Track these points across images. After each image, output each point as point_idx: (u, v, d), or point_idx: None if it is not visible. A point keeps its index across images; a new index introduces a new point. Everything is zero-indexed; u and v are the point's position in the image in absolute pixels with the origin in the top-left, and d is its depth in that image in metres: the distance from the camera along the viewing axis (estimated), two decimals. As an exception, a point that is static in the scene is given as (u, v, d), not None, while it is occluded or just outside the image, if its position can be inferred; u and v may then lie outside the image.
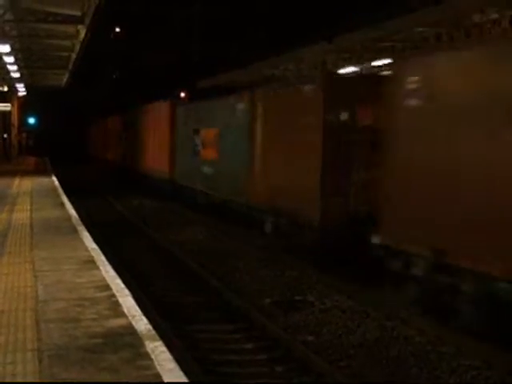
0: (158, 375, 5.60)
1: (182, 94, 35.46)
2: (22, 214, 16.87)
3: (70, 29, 27.31)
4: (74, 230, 14.08)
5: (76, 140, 75.80)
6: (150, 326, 6.98)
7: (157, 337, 6.64)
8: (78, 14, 23.91)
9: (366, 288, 12.36)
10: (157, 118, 32.09)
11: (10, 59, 30.17)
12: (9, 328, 7.03)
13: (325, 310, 11.66)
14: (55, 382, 5.38)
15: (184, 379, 5.55)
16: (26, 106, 63.65)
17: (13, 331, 6.90)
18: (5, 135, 53.21)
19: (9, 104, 44.03)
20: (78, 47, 31.55)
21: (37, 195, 22.33)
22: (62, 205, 19.30)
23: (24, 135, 71.59)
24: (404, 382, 8.56)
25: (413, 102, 11.24)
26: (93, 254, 11.27)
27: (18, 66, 34.86)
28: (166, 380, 5.50)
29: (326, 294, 12.58)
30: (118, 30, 59.90)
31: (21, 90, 50.94)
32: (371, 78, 14.76)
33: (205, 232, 20.19)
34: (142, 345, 6.38)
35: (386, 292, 11.37)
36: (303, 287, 13.15)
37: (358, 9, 25.08)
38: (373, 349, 9.71)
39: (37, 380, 5.56)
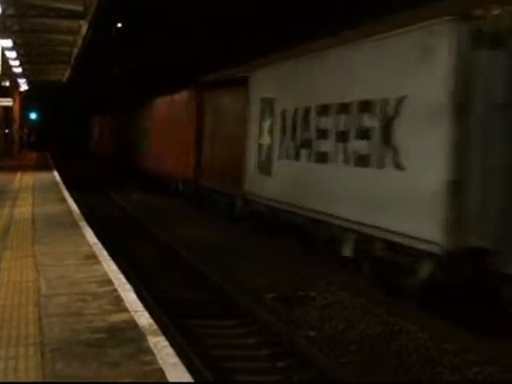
0: (161, 370, 5.59)
1: None
2: (23, 209, 16.87)
3: (72, 24, 27.33)
4: (76, 225, 14.07)
5: (77, 136, 75.75)
6: (152, 321, 6.97)
7: (159, 332, 6.63)
8: (80, 8, 23.96)
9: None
10: None
11: (11, 54, 30.18)
12: (11, 322, 7.01)
13: (327, 305, 11.66)
14: (58, 382, 5.35)
15: (186, 374, 5.54)
16: (27, 101, 63.60)
17: (15, 325, 6.89)
18: (6, 130, 53.21)
19: (10, 99, 43.96)
20: (79, 42, 31.56)
21: (38, 190, 22.33)
22: (64, 200, 19.31)
23: (25, 130, 71.60)
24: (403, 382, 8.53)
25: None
26: (94, 248, 11.27)
27: (20, 60, 34.87)
28: (169, 378, 5.48)
29: (328, 289, 12.57)
30: (119, 25, 59.88)
31: (22, 84, 50.96)
32: None
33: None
34: (145, 339, 6.37)
35: None
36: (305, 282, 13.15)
37: (362, 2, 25.05)
38: (374, 344, 9.70)
39: (39, 375, 5.55)
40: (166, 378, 5.44)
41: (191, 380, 5.41)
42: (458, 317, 10.13)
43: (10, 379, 5.46)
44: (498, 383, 8.36)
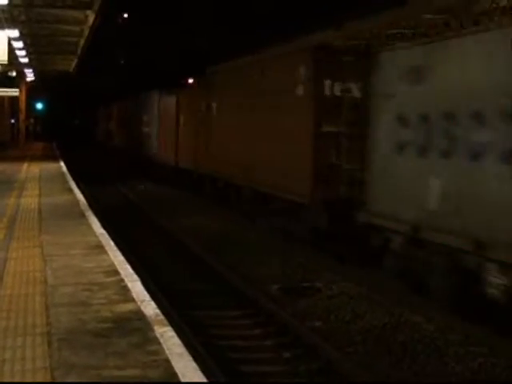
0: (167, 360, 5.61)
1: None
2: (30, 199, 16.90)
3: (79, 14, 27.29)
4: (83, 215, 14.11)
5: (84, 126, 75.74)
6: (158, 311, 6.99)
7: (165, 322, 6.65)
8: (87, -1, 23.95)
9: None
10: None
11: (18, 44, 30.17)
12: (18, 312, 7.05)
13: (332, 296, 11.67)
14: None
15: (193, 363, 5.55)
16: (33, 91, 63.54)
17: (22, 315, 6.93)
18: (12, 120, 53.25)
19: (17, 89, 43.96)
20: (86, 33, 31.50)
21: (45, 180, 22.37)
22: (70, 190, 19.34)
23: (32, 121, 71.63)
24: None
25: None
26: (101, 239, 11.30)
27: (27, 51, 34.84)
28: (176, 368, 5.49)
29: (334, 280, 12.58)
30: (126, 15, 59.91)
31: (29, 75, 50.91)
32: None
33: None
34: (151, 329, 6.39)
35: None
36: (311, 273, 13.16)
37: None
38: (380, 335, 9.71)
39: (47, 364, 5.58)
40: (172, 368, 5.45)
41: (204, 380, 5.37)
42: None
43: (18, 368, 5.49)
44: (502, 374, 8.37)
